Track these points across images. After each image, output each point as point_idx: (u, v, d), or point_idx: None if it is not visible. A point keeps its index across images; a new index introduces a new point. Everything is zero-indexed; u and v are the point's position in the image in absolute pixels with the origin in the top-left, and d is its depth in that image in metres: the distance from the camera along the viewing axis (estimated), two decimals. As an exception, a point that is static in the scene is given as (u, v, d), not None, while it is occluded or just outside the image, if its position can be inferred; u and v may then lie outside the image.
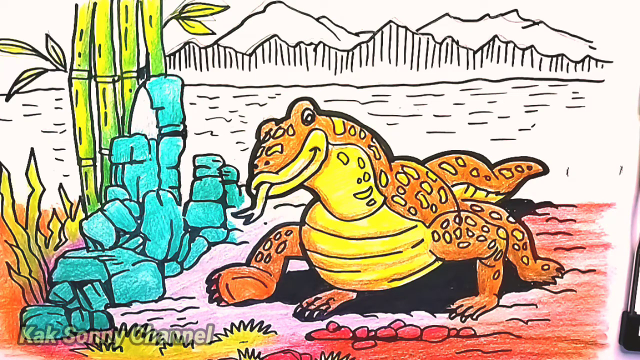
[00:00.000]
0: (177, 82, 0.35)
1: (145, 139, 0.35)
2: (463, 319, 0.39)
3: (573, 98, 0.36)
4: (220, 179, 0.36)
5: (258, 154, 0.36)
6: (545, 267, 0.38)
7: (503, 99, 0.36)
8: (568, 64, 0.35)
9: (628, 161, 0.37)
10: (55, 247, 0.37)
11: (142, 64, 0.35)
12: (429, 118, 0.36)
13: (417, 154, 0.36)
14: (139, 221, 0.37)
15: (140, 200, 0.36)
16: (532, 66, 0.35)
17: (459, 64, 0.35)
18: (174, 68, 0.35)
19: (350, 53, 0.35)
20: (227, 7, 0.34)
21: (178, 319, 0.38)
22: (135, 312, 0.38)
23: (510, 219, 0.37)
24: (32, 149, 0.35)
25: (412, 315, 0.39)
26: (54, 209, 0.36)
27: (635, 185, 0.37)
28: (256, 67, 0.35)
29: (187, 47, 0.34)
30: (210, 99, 0.35)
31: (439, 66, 0.35)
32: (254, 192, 0.36)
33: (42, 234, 0.37)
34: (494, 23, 0.35)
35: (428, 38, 0.35)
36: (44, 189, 0.36)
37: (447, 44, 0.35)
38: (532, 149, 0.36)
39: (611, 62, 0.35)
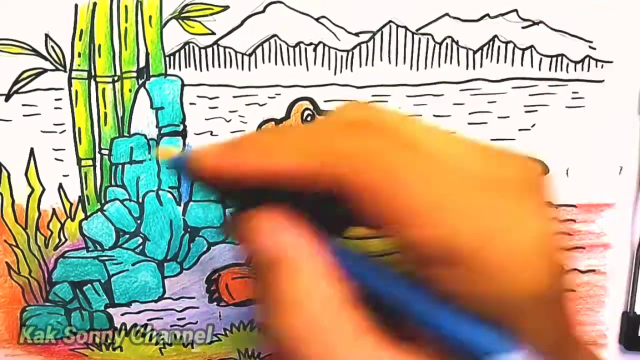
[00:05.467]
0: (176, 82, 0.35)
1: (145, 139, 0.35)
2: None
3: (573, 98, 0.36)
4: (220, 179, 0.36)
5: (258, 154, 0.36)
6: (545, 267, 0.38)
7: (503, 99, 0.36)
8: (568, 64, 0.35)
9: (628, 161, 0.37)
10: (55, 247, 0.37)
11: (142, 64, 0.35)
12: (428, 118, 0.36)
13: (417, 154, 0.36)
14: (138, 221, 0.37)
15: (140, 200, 0.36)
16: (532, 66, 0.35)
17: (458, 64, 0.35)
18: (174, 68, 0.35)
19: (350, 53, 0.35)
20: (226, 7, 0.34)
21: (178, 319, 0.38)
22: (135, 312, 0.38)
23: (510, 219, 0.37)
24: (31, 149, 0.35)
25: (411, 315, 0.39)
26: (53, 209, 0.36)
27: (635, 186, 0.37)
28: (256, 67, 0.35)
29: (186, 47, 0.34)
30: (210, 99, 0.35)
31: (439, 66, 0.35)
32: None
33: (41, 234, 0.37)
34: (494, 23, 0.35)
35: (428, 38, 0.35)
36: (44, 189, 0.36)
37: (447, 44, 0.35)
38: (531, 149, 0.36)
39: (611, 62, 0.35)
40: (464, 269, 0.18)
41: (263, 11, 0.34)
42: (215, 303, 0.38)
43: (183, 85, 0.35)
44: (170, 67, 0.35)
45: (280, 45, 0.35)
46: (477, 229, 0.18)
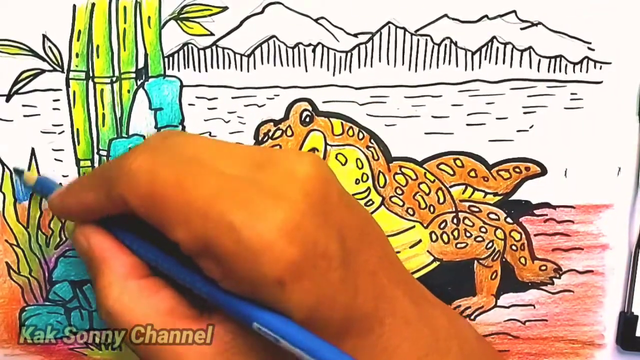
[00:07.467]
0: (175, 83, 0.35)
1: (143, 140, 0.36)
2: (461, 319, 0.39)
3: (571, 99, 0.36)
4: (218, 179, 0.36)
5: (256, 155, 0.36)
6: (543, 267, 0.38)
7: (501, 100, 0.36)
8: (566, 65, 0.35)
9: (626, 162, 0.37)
10: (55, 246, 0.37)
11: (141, 64, 0.35)
12: (427, 119, 0.36)
13: (416, 155, 0.36)
14: (138, 221, 0.37)
15: (139, 200, 0.36)
16: (531, 67, 0.35)
17: (457, 65, 0.35)
18: (173, 69, 0.35)
19: (349, 54, 0.35)
20: (225, 8, 0.34)
21: (177, 319, 0.39)
22: (134, 311, 0.38)
23: (508, 219, 0.37)
24: (32, 149, 0.35)
25: (410, 315, 0.39)
26: (54, 208, 0.37)
27: (634, 187, 0.37)
28: (255, 68, 0.35)
29: (185, 48, 0.34)
30: (209, 99, 0.35)
31: (437, 67, 0.35)
32: (252, 192, 0.36)
33: (43, 233, 0.37)
34: (493, 24, 0.35)
35: (427, 39, 0.35)
36: (45, 189, 0.36)
37: (446, 45, 0.35)
38: (530, 150, 0.36)
39: (609, 63, 0.35)
40: (216, 261, 0.22)
41: (262, 12, 0.34)
42: (214, 302, 0.39)
43: (182, 86, 0.35)
44: (169, 68, 0.35)
45: (279, 46, 0.35)
46: (221, 229, 0.21)
